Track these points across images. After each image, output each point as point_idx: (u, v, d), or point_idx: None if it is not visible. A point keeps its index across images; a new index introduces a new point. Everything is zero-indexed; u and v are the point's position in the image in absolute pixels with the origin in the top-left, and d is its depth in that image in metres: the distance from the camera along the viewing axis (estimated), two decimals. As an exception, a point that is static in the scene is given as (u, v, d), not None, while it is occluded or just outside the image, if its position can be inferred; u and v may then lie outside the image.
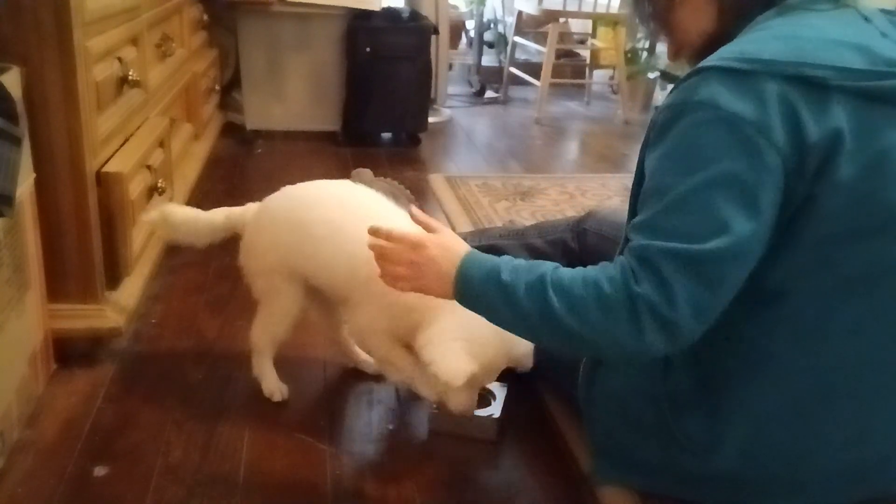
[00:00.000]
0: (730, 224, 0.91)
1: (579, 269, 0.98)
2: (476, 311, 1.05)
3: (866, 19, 1.02)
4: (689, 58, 1.13)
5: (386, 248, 1.10)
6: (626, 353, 0.96)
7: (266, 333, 1.42)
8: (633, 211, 1.06)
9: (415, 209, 1.16)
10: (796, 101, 0.92)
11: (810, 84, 0.92)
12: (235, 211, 1.44)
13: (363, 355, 1.54)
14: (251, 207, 1.44)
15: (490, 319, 1.05)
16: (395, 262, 1.09)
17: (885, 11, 1.05)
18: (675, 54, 1.16)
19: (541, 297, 0.96)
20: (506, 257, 1.04)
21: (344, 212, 1.34)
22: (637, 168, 1.06)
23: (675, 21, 1.12)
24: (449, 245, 1.08)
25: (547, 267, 0.99)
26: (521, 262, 1.02)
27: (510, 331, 1.06)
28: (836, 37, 0.96)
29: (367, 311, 1.31)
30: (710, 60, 0.97)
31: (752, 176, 0.92)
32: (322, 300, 1.47)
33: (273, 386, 1.43)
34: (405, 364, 1.30)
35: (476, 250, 1.07)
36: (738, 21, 1.04)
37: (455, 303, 1.07)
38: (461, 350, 1.17)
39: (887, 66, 0.94)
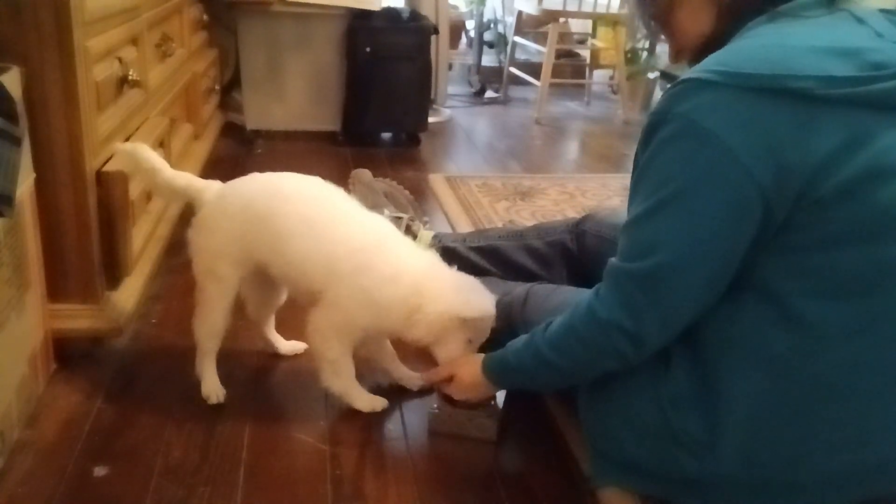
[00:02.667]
0: (670, 241, 0.99)
1: (559, 319, 1.14)
2: (513, 388, 1.38)
3: (860, 21, 1.01)
4: (690, 60, 1.13)
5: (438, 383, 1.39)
6: (606, 364, 1.10)
7: (204, 323, 1.42)
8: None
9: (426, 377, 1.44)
10: (776, 116, 0.92)
11: (794, 96, 0.92)
12: (197, 183, 1.42)
13: (282, 340, 1.59)
14: (213, 185, 1.42)
15: (526, 388, 1.34)
16: (447, 387, 1.36)
17: (884, 11, 1.05)
18: (675, 55, 1.16)
19: (542, 361, 1.16)
20: (511, 343, 1.24)
21: (319, 207, 1.37)
22: (633, 169, 1.08)
23: (675, 22, 1.12)
24: (469, 360, 1.33)
25: (538, 331, 1.18)
26: (521, 341, 1.21)
27: (545, 388, 1.39)
28: (823, 44, 0.96)
29: (345, 308, 1.33)
30: (694, 71, 0.98)
31: (709, 192, 0.96)
32: (260, 291, 1.50)
33: (211, 387, 1.42)
34: (348, 374, 1.40)
35: (487, 354, 1.30)
36: (732, 24, 1.05)
37: (444, 271, 1.38)
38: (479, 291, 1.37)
39: (874, 69, 0.93)
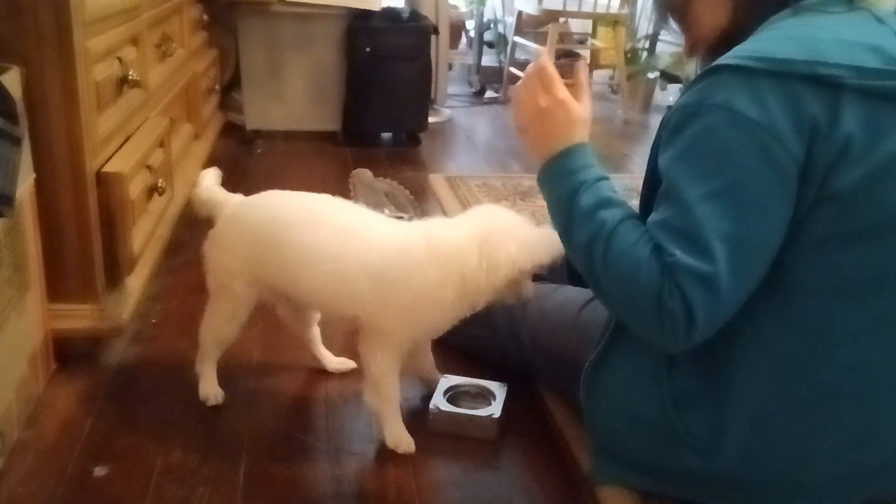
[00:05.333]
0: (740, 235, 0.93)
1: (635, 233, 0.99)
2: (542, 192, 1.14)
3: (880, 21, 1.02)
4: (704, 54, 1.13)
5: (532, 79, 1.16)
6: (632, 328, 1.03)
7: (212, 333, 1.40)
8: (644, 210, 1.05)
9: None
10: (810, 103, 0.92)
11: (824, 84, 0.92)
12: (218, 195, 1.38)
13: (330, 356, 1.54)
14: (233, 200, 1.37)
15: (548, 205, 1.13)
16: (529, 98, 1.16)
17: None
18: (690, 49, 1.16)
19: (590, 241, 1.01)
20: (600, 176, 1.08)
21: (322, 232, 1.28)
22: (648, 167, 1.07)
23: (692, 15, 1.12)
24: (575, 120, 1.12)
25: (614, 216, 1.02)
26: (603, 190, 1.06)
27: (562, 234, 1.11)
28: (849, 37, 0.97)
29: (387, 325, 1.26)
30: (726, 59, 0.97)
31: (766, 183, 0.93)
32: (294, 305, 1.46)
33: (209, 390, 1.41)
34: (390, 395, 1.31)
35: (588, 147, 1.11)
36: (751, 19, 1.05)
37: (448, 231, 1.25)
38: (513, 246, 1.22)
39: None
